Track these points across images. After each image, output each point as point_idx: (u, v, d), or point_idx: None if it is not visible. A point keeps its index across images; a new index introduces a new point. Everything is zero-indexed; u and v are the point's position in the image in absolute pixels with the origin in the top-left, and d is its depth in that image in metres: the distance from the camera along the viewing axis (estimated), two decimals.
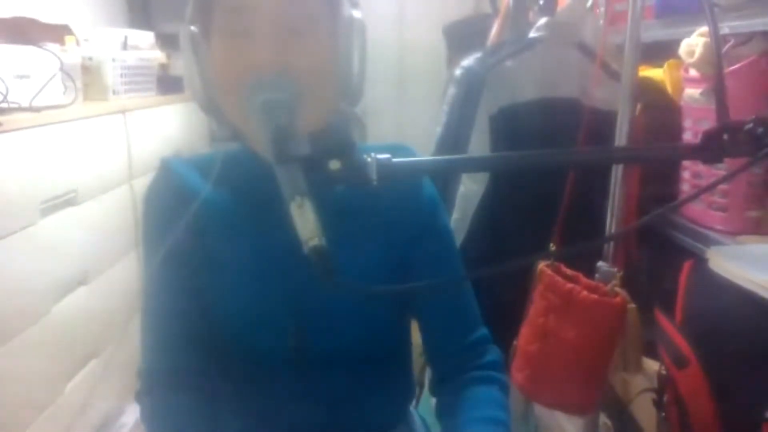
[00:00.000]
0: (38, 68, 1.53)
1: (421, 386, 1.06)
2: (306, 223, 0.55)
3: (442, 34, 2.33)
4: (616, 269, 1.21)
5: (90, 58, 1.89)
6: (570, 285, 1.20)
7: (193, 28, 0.70)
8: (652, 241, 1.33)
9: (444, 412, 0.82)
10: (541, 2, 1.47)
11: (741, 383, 0.97)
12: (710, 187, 1.08)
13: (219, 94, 0.71)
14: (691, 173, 1.22)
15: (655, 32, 1.36)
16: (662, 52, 1.37)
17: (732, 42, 1.12)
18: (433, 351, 0.87)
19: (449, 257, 0.85)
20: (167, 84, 2.31)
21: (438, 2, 2.75)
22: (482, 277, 1.06)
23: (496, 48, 1.56)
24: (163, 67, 2.36)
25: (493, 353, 0.85)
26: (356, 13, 0.71)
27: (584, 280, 1.22)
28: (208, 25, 0.70)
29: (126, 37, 2.15)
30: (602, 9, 1.57)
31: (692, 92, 1.19)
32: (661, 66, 1.43)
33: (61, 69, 1.59)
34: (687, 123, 1.23)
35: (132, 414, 1.83)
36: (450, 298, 0.85)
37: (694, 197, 1.19)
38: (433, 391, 0.87)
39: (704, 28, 1.12)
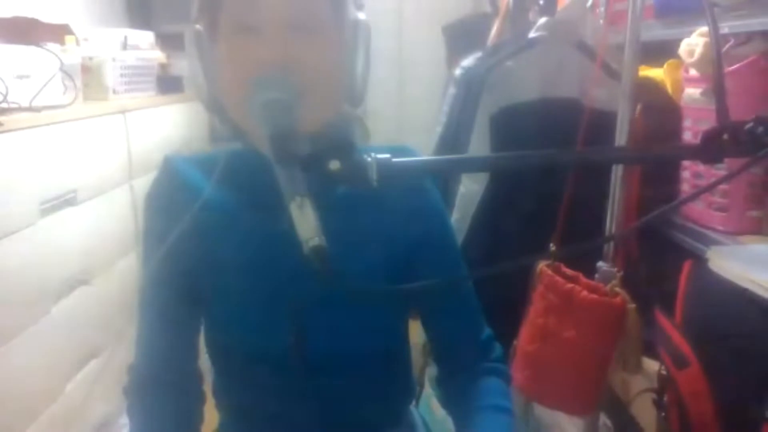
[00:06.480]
0: (38, 68, 1.53)
1: (421, 386, 1.06)
2: (306, 222, 0.55)
3: (441, 34, 2.33)
4: (616, 269, 1.21)
5: (90, 58, 1.89)
6: (570, 285, 1.20)
7: (197, 26, 0.70)
8: (652, 241, 1.33)
9: (452, 401, 0.85)
10: (541, 2, 1.46)
11: (741, 383, 0.97)
12: (710, 187, 1.08)
13: (222, 92, 0.71)
14: (691, 173, 1.22)
15: (655, 32, 1.36)
16: (662, 52, 1.36)
17: (732, 42, 1.12)
18: (443, 351, 0.88)
19: (453, 259, 0.86)
20: (167, 84, 2.31)
21: (438, 2, 2.75)
22: (482, 277, 1.06)
23: (496, 48, 1.56)
24: (163, 67, 2.37)
25: (498, 349, 0.88)
26: (361, 15, 0.71)
27: (584, 280, 1.21)
28: (213, 22, 0.71)
29: (126, 37, 2.15)
30: (602, 9, 1.57)
31: (692, 92, 1.19)
32: (661, 66, 1.43)
33: (61, 69, 1.59)
34: (687, 123, 1.23)
35: None
36: (457, 300, 0.85)
37: (694, 197, 1.19)
38: (439, 383, 0.89)
39: (704, 28, 1.12)
